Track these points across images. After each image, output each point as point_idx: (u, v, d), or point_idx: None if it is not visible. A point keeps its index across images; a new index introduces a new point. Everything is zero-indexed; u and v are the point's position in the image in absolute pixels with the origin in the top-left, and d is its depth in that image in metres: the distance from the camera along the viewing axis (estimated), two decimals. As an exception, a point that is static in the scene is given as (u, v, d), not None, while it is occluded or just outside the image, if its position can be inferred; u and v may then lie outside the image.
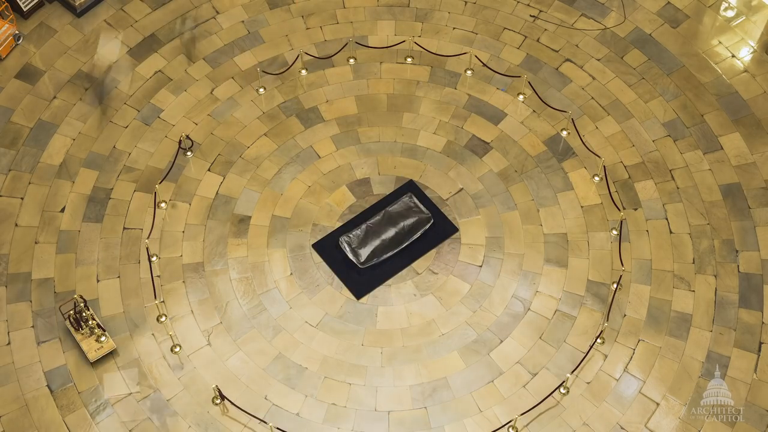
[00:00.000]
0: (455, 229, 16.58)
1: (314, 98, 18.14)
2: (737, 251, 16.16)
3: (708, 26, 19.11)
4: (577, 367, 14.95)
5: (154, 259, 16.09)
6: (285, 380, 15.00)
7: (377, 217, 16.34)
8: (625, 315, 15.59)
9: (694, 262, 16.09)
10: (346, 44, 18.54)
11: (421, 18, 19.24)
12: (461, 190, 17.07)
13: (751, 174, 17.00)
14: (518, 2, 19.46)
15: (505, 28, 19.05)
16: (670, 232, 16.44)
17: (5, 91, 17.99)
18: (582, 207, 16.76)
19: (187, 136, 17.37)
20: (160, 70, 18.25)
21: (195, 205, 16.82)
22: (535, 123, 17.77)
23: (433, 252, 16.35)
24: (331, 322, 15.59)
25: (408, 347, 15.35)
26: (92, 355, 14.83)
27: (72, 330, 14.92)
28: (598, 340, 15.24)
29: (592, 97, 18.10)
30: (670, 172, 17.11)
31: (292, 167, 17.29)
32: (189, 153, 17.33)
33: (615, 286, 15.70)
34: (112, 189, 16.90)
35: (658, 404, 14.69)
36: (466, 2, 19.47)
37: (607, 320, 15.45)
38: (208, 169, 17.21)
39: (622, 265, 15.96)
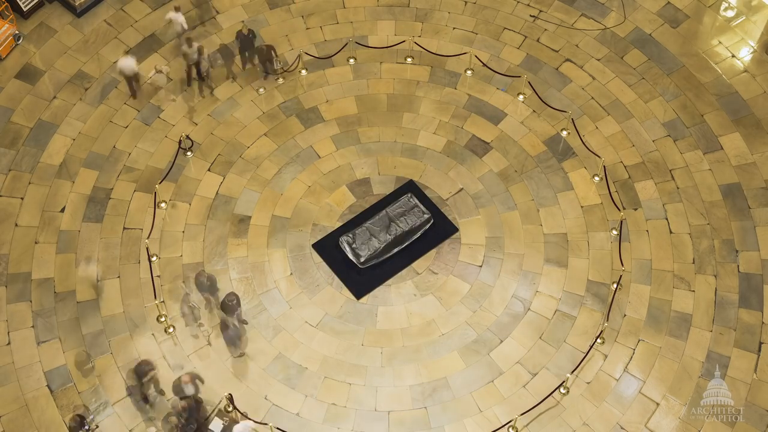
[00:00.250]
0: (455, 229, 16.57)
1: (314, 98, 18.14)
2: (737, 251, 16.15)
3: (708, 26, 19.10)
4: (577, 367, 14.93)
5: (154, 259, 16.08)
6: (285, 380, 14.99)
7: (377, 217, 16.32)
8: (625, 315, 15.58)
9: (694, 262, 16.08)
10: (346, 44, 18.53)
11: (421, 18, 19.23)
12: (461, 190, 17.06)
13: (751, 174, 16.99)
14: (518, 2, 19.45)
15: (505, 28, 19.04)
16: (670, 232, 16.42)
17: (5, 91, 17.98)
18: (582, 207, 16.75)
19: (187, 136, 17.36)
20: (159, 70, 18.22)
21: (195, 205, 16.81)
22: (535, 123, 17.76)
23: (433, 252, 16.34)
24: (331, 322, 15.58)
25: (408, 347, 15.34)
26: None
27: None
28: (598, 340, 15.23)
29: (592, 97, 18.09)
30: (670, 172, 17.10)
31: (292, 167, 17.28)
32: (189, 153, 17.32)
33: (615, 286, 15.69)
34: (112, 189, 16.89)
35: (658, 404, 14.68)
36: (466, 2, 19.46)
37: (607, 320, 15.44)
38: (208, 169, 17.20)
39: (622, 265, 15.95)
